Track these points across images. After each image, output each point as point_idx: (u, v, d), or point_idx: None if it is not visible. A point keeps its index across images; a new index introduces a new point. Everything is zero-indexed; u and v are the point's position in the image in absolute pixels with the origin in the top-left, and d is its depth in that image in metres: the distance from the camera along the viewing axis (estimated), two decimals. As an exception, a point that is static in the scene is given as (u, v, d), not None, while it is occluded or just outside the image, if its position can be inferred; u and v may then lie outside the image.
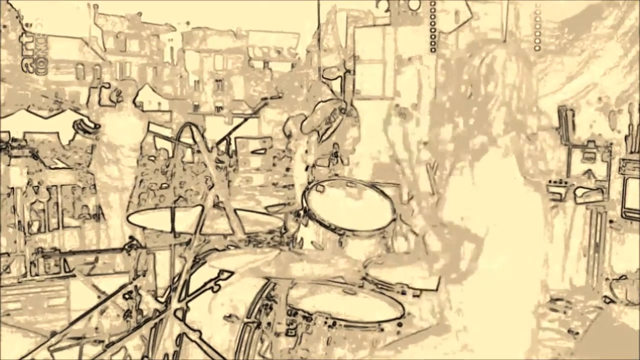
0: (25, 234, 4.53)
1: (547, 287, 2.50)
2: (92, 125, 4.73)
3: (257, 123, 5.18)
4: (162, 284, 4.17)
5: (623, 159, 4.47)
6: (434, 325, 2.58)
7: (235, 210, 2.88)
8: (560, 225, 4.63)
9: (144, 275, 3.16)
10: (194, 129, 2.76)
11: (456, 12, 4.82)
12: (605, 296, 4.45)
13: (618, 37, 4.53)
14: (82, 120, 4.72)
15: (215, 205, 2.90)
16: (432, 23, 4.83)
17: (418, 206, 2.52)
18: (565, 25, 4.67)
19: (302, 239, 3.69)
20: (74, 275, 4.36)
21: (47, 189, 4.63)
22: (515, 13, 4.73)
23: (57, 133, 4.78)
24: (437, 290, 2.51)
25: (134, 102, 4.82)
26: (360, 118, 4.96)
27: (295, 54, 5.26)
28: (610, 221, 4.52)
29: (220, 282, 2.95)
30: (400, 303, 3.05)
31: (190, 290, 2.92)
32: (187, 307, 2.86)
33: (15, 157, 4.54)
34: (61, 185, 4.70)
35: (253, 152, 5.19)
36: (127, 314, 3.15)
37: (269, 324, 2.95)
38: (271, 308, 2.95)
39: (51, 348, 3.10)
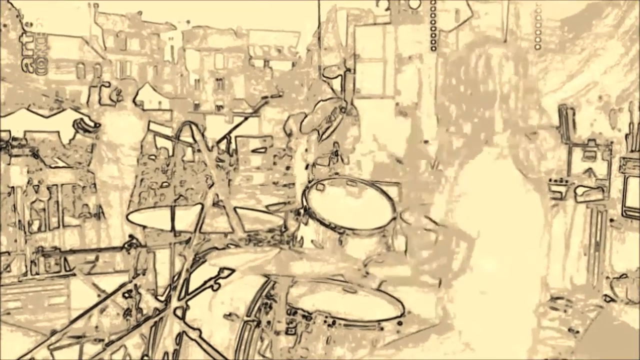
0: (25, 232, 4.53)
1: (548, 286, 2.50)
2: (92, 124, 4.73)
3: (257, 122, 5.18)
4: (162, 282, 4.18)
5: (623, 158, 4.47)
6: (434, 324, 2.58)
7: (235, 208, 2.88)
8: (561, 224, 4.63)
9: (143, 274, 3.16)
10: (193, 127, 2.75)
11: (456, 11, 4.82)
12: (606, 295, 4.45)
13: (619, 35, 4.53)
14: (82, 119, 4.72)
15: (215, 203, 2.90)
16: (433, 22, 4.83)
17: (417, 204, 2.52)
18: (566, 24, 4.66)
19: (302, 237, 3.69)
20: (74, 274, 4.36)
21: (48, 188, 4.63)
22: (516, 12, 4.73)
23: (58, 132, 4.79)
24: (439, 285, 2.51)
25: (134, 101, 4.82)
26: (360, 117, 4.96)
27: (295, 53, 5.26)
28: (611, 220, 4.52)
29: (220, 281, 2.94)
30: (400, 302, 3.05)
31: (190, 289, 2.92)
32: (187, 305, 2.86)
33: (16, 156, 4.55)
34: (61, 184, 4.70)
35: (253, 150, 5.19)
36: (127, 312, 3.15)
37: (268, 322, 2.95)
38: (271, 307, 2.95)
39: (51, 347, 3.10)
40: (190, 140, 2.84)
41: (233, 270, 2.95)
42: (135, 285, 3.13)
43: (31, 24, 4.65)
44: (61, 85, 4.83)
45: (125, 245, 3.18)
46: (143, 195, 4.90)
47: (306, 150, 4.56)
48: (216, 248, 3.20)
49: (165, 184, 4.95)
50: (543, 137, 2.41)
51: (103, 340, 3.06)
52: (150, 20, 5.05)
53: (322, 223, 3.56)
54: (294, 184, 4.85)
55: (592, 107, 4.58)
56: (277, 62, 5.30)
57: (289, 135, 4.72)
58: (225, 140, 4.17)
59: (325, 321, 2.84)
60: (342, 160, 4.88)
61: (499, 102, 2.39)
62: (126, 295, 3.14)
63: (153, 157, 4.95)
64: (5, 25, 4.59)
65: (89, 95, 4.80)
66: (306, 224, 3.65)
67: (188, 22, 5.03)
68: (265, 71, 5.31)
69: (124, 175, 4.78)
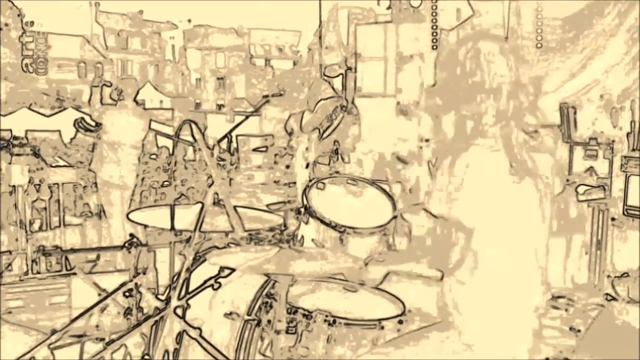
0: (26, 232, 4.54)
1: (549, 285, 2.49)
2: (93, 123, 4.73)
3: (258, 121, 5.18)
4: (163, 281, 4.17)
5: (625, 157, 4.46)
6: (435, 322, 2.57)
7: (235, 207, 2.88)
8: (562, 223, 4.62)
9: (144, 273, 3.15)
10: (193, 126, 2.75)
11: (457, 10, 4.81)
12: (607, 294, 4.45)
13: (620, 34, 4.52)
14: (83, 118, 4.73)
15: (216, 202, 2.89)
16: (434, 20, 4.83)
17: (417, 201, 2.51)
18: (567, 23, 4.66)
19: (302, 236, 3.69)
20: (75, 273, 4.37)
21: (49, 187, 4.63)
22: (517, 10, 4.72)
23: (59, 131, 4.79)
24: (441, 279, 2.50)
25: (135, 100, 4.82)
26: (361, 116, 4.96)
27: (296, 52, 5.26)
28: (612, 219, 4.51)
29: (220, 280, 2.94)
30: (400, 300, 3.04)
31: (191, 288, 2.92)
32: (188, 304, 2.86)
33: (17, 155, 4.55)
34: (63, 184, 4.71)
35: (254, 149, 5.19)
36: (127, 311, 3.14)
37: (269, 321, 2.94)
38: (271, 306, 2.95)
39: (52, 346, 3.10)
40: (191, 139, 2.84)
41: (233, 269, 2.94)
42: (136, 284, 3.12)
43: (32, 23, 4.65)
44: (62, 84, 4.84)
45: (126, 244, 3.18)
46: (144, 194, 4.90)
47: (307, 149, 4.55)
48: (216, 247, 3.20)
49: (166, 183, 4.95)
50: (542, 134, 2.41)
51: (104, 339, 3.06)
52: (151, 19, 5.05)
53: (322, 222, 3.56)
54: (294, 182, 4.85)
55: (593, 105, 4.58)
56: (278, 61, 5.30)
57: (290, 134, 4.72)
58: (226, 139, 4.17)
59: (325, 320, 2.84)
60: (343, 159, 4.87)
61: (489, 96, 2.38)
62: (127, 294, 3.14)
63: (154, 156, 4.95)
64: (6, 24, 4.60)
65: (90, 95, 4.81)
66: (307, 222, 3.65)
67: (189, 21, 5.04)
68: (267, 70, 5.31)
69: (125, 174, 4.78)
